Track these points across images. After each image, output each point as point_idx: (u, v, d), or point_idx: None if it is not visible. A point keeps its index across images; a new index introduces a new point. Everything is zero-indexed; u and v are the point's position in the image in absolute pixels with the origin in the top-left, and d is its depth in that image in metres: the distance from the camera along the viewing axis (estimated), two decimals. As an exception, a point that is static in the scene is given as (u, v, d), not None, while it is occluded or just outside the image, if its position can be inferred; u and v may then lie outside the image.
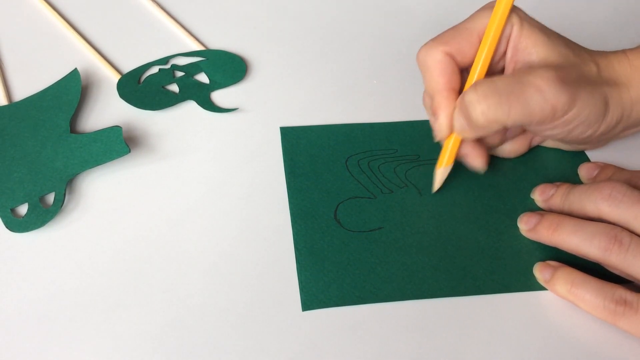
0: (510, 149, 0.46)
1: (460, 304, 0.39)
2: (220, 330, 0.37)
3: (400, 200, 0.43)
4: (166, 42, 0.53)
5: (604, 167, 0.44)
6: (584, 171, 0.45)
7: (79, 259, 0.39)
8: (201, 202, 0.43)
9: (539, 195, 0.43)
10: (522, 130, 0.45)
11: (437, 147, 0.43)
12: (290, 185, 0.43)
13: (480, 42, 0.41)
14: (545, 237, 0.40)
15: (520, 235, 0.42)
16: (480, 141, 0.43)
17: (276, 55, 0.53)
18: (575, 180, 0.45)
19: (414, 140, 0.47)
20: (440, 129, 0.42)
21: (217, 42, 0.54)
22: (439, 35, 0.42)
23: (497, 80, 0.39)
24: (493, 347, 0.37)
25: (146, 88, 0.49)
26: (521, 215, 0.42)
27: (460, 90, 0.42)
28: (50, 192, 0.42)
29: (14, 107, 0.47)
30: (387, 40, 0.55)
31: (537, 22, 0.42)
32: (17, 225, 0.40)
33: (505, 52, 0.42)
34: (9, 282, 0.38)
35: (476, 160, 0.43)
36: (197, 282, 0.39)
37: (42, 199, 0.42)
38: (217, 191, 0.43)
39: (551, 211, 0.42)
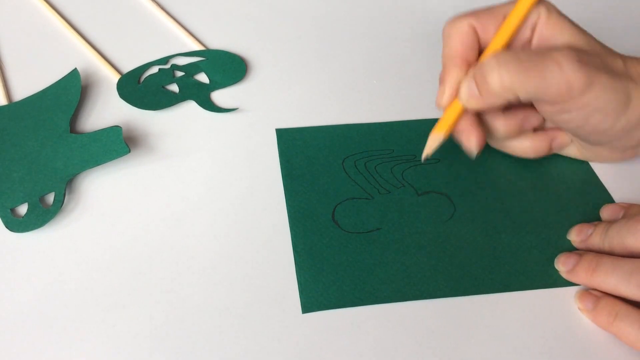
0: (529, 145, 0.44)
1: (459, 304, 0.39)
2: (220, 332, 0.37)
3: (397, 200, 0.43)
4: (166, 42, 0.53)
5: (629, 206, 0.42)
6: (607, 213, 0.43)
7: (79, 259, 0.39)
8: (200, 202, 0.43)
9: (576, 235, 0.41)
10: (541, 123, 0.44)
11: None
12: (287, 187, 0.43)
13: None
14: (584, 279, 0.39)
15: (519, 233, 0.42)
16: (479, 121, 0.42)
17: (276, 55, 0.53)
18: (574, 189, 0.45)
19: (410, 140, 0.47)
20: (442, 95, 0.42)
21: (217, 42, 0.54)
22: (470, 11, 0.42)
23: (519, 50, 0.40)
24: (493, 347, 0.37)
25: (146, 88, 0.49)
26: (559, 256, 0.40)
27: (472, 64, 0.42)
28: (50, 192, 0.42)
29: (14, 107, 0.47)
30: (386, 40, 0.55)
31: (566, 16, 0.42)
32: (17, 225, 0.40)
33: (530, 40, 0.42)
34: (9, 282, 0.38)
35: (471, 139, 0.42)
36: (196, 282, 0.39)
37: (42, 199, 0.42)
38: (216, 191, 0.43)
39: (590, 251, 0.40)
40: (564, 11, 0.42)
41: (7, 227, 0.40)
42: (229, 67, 0.51)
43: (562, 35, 0.41)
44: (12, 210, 0.41)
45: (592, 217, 0.43)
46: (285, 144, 0.46)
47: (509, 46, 0.42)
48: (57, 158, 0.43)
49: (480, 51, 0.42)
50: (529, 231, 0.42)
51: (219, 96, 0.50)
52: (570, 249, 0.41)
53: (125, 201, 0.42)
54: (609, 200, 0.44)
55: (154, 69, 0.51)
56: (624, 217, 0.41)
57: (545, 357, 0.36)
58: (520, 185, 0.45)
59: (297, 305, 0.38)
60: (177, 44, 0.53)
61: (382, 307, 0.38)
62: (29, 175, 0.42)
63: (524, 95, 0.39)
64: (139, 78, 0.50)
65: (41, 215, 0.41)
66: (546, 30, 0.41)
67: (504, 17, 0.41)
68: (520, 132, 0.44)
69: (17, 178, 0.42)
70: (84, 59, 0.51)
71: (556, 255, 0.40)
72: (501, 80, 0.39)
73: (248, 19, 0.56)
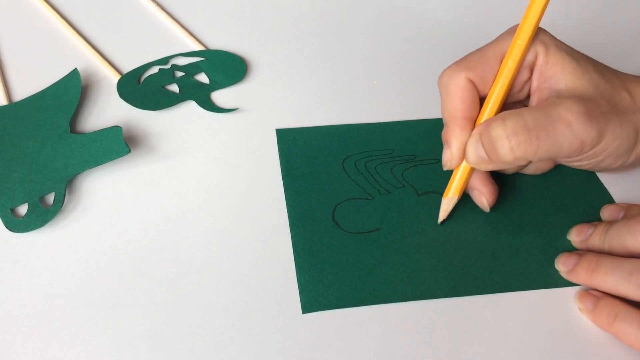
0: (535, 167, 0.44)
1: (459, 304, 0.39)
2: (219, 332, 0.37)
3: (397, 200, 0.43)
4: (166, 42, 0.53)
5: (629, 207, 0.42)
6: (607, 213, 0.43)
7: (79, 259, 0.39)
8: (200, 202, 0.43)
9: (576, 235, 0.41)
10: None
11: (433, 147, 0.43)
12: (287, 187, 0.43)
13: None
14: (584, 279, 0.38)
15: (518, 233, 0.42)
16: (490, 177, 0.42)
17: (276, 55, 0.53)
18: (574, 189, 0.45)
19: (410, 141, 0.47)
20: (451, 157, 0.40)
21: (217, 42, 0.54)
22: (463, 59, 0.41)
23: (526, 114, 0.38)
24: (493, 347, 0.37)
25: (146, 88, 0.49)
26: (559, 256, 0.40)
27: (475, 120, 0.40)
28: (50, 192, 0.42)
29: (14, 107, 0.47)
30: (386, 40, 0.55)
31: (564, 45, 0.40)
32: (17, 225, 0.40)
33: (529, 80, 0.41)
34: (9, 282, 0.38)
35: (483, 198, 0.41)
36: (196, 282, 0.39)
37: (42, 199, 0.42)
38: (216, 191, 0.43)
39: (589, 251, 0.40)
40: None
41: (7, 227, 0.40)
42: (229, 67, 0.51)
43: (563, 76, 0.39)
44: (12, 210, 0.41)
45: (592, 218, 0.43)
46: (285, 144, 0.46)
47: (510, 95, 0.41)
48: (57, 158, 0.43)
49: (481, 102, 0.41)
50: (529, 231, 0.42)
51: (219, 96, 0.50)
52: (570, 249, 0.41)
53: (125, 201, 0.42)
54: (609, 200, 0.44)
55: (154, 69, 0.51)
56: (624, 217, 0.41)
57: (545, 357, 0.36)
58: (520, 185, 0.45)
59: (297, 305, 0.38)
60: (177, 44, 0.53)
61: (382, 307, 0.38)
62: (29, 175, 0.42)
63: (536, 160, 0.39)
64: (139, 78, 0.50)
65: (41, 215, 0.41)
66: (546, 71, 0.40)
67: (500, 60, 0.40)
68: (523, 167, 0.44)
69: (17, 178, 0.42)
70: (84, 59, 0.51)
71: (556, 255, 0.40)
72: (513, 151, 0.38)
73: (248, 19, 0.56)
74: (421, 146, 0.46)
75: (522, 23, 0.39)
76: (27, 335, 0.36)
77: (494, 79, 0.40)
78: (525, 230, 0.42)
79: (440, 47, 0.55)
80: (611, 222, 0.40)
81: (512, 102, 0.42)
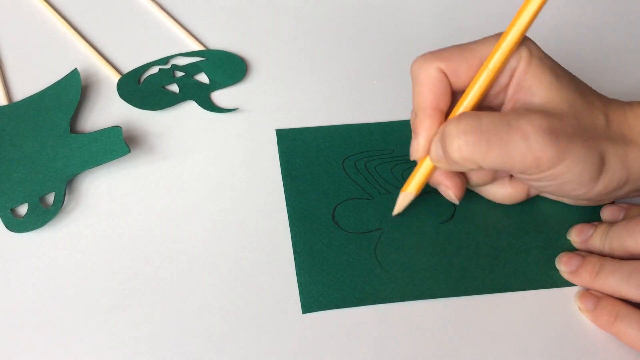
0: (504, 192, 0.42)
1: (459, 304, 0.39)
2: (219, 332, 0.37)
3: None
4: (166, 42, 0.53)
5: (629, 207, 0.41)
6: (607, 213, 0.42)
7: (79, 259, 0.39)
8: (201, 202, 0.43)
9: (576, 235, 0.41)
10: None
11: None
12: (287, 187, 0.43)
13: (480, 68, 0.38)
14: (587, 281, 0.38)
15: (518, 233, 0.42)
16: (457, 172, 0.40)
17: (276, 55, 0.53)
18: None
19: (410, 140, 0.47)
20: (416, 149, 0.39)
21: (217, 42, 0.54)
22: (438, 50, 0.39)
23: (484, 116, 0.36)
24: (493, 347, 0.37)
25: (146, 88, 0.49)
26: (560, 256, 0.40)
27: (447, 113, 0.39)
28: (50, 192, 0.42)
29: (14, 107, 0.47)
30: (386, 40, 0.55)
31: (549, 59, 0.39)
32: (17, 225, 0.40)
33: (507, 86, 0.39)
34: (9, 282, 0.38)
35: (449, 191, 0.40)
36: (196, 282, 0.39)
37: (42, 199, 0.42)
38: (216, 191, 0.43)
39: (589, 252, 0.40)
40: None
41: (7, 227, 0.40)
42: (229, 67, 0.51)
43: (539, 89, 0.37)
44: (12, 210, 0.41)
45: (593, 218, 0.43)
46: (285, 144, 0.46)
47: (486, 99, 0.39)
48: (57, 158, 0.43)
49: (455, 96, 0.39)
50: (529, 231, 0.42)
51: (219, 96, 0.50)
52: (570, 249, 0.41)
53: (125, 201, 0.42)
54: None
55: (154, 69, 0.51)
56: (624, 218, 0.41)
57: (545, 357, 0.36)
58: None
59: (297, 305, 0.38)
60: (177, 44, 0.53)
61: (382, 307, 0.38)
62: (29, 175, 0.42)
63: (487, 166, 0.37)
64: (139, 78, 0.50)
65: (41, 215, 0.41)
66: (524, 81, 0.38)
67: (479, 60, 0.38)
68: (494, 180, 0.42)
69: (17, 178, 0.42)
70: (84, 59, 0.51)
71: (556, 256, 0.40)
72: (460, 151, 0.36)
73: (248, 19, 0.56)
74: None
75: (513, 23, 0.37)
76: (27, 335, 0.36)
77: (471, 76, 0.39)
78: (525, 230, 0.42)
79: (440, 47, 0.54)
80: (612, 223, 0.40)
81: (487, 107, 0.40)
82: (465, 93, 0.39)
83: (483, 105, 0.40)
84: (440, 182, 0.40)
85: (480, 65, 0.38)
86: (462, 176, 0.40)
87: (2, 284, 0.38)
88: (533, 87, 0.38)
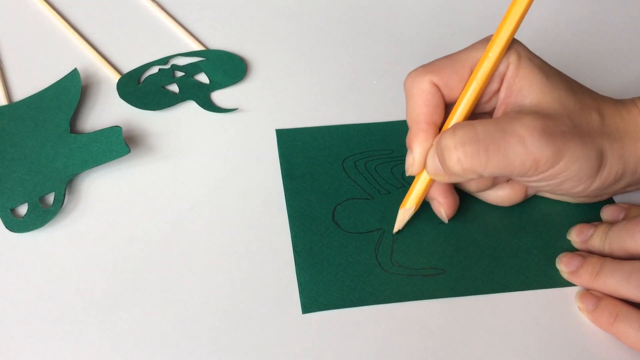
0: (502, 195, 0.42)
1: (459, 304, 0.39)
2: (220, 332, 0.37)
3: (397, 201, 0.43)
4: (166, 42, 0.53)
5: (630, 207, 0.42)
6: (607, 214, 0.42)
7: (79, 259, 0.39)
8: (200, 202, 0.43)
9: (576, 235, 0.41)
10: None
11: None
12: (287, 187, 0.43)
13: (470, 77, 0.38)
14: (587, 282, 0.38)
15: (518, 233, 0.42)
16: (451, 188, 0.41)
17: (276, 55, 0.53)
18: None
19: None
20: (411, 163, 0.39)
21: (217, 42, 0.54)
22: (430, 63, 0.39)
23: (478, 125, 0.36)
24: (493, 347, 0.37)
25: (146, 88, 0.49)
26: (561, 256, 0.40)
27: (441, 126, 0.39)
28: (50, 192, 0.42)
29: (14, 107, 0.47)
30: (386, 40, 0.55)
31: (538, 59, 0.39)
32: (17, 225, 0.40)
33: (498, 91, 0.39)
34: (9, 282, 0.38)
35: (441, 209, 0.40)
36: (196, 282, 0.39)
37: (42, 199, 0.42)
38: (216, 191, 0.43)
39: (589, 252, 0.40)
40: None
41: (7, 227, 0.40)
42: (229, 67, 0.51)
43: (529, 91, 0.38)
44: (12, 210, 0.41)
45: (593, 218, 0.43)
46: (285, 144, 0.46)
47: (477, 106, 0.40)
48: (57, 158, 0.43)
49: (448, 108, 0.40)
50: (529, 231, 0.42)
51: (219, 96, 0.50)
52: (570, 249, 0.41)
53: (125, 201, 0.42)
54: (610, 200, 0.44)
55: (154, 69, 0.51)
56: (624, 218, 0.41)
57: (545, 357, 0.36)
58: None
59: (297, 305, 0.38)
60: (177, 44, 0.53)
61: (382, 308, 0.38)
62: (29, 175, 0.42)
63: (488, 175, 0.37)
64: (139, 78, 0.50)
65: (41, 215, 0.41)
66: (514, 84, 0.38)
67: (470, 69, 0.38)
68: (494, 185, 0.42)
69: (17, 178, 0.42)
70: (84, 59, 0.51)
71: (556, 255, 0.40)
72: (460, 163, 0.36)
73: (248, 19, 0.56)
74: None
75: (498, 31, 0.38)
76: (27, 335, 0.36)
77: (463, 87, 0.39)
78: (525, 230, 0.42)
79: (440, 47, 0.54)
80: (612, 223, 0.40)
81: (479, 113, 0.41)
82: (456, 104, 0.39)
83: (475, 112, 0.40)
84: (435, 198, 0.41)
85: (471, 74, 0.38)
86: (457, 195, 0.41)
87: (2, 284, 0.38)
88: (524, 89, 0.38)
